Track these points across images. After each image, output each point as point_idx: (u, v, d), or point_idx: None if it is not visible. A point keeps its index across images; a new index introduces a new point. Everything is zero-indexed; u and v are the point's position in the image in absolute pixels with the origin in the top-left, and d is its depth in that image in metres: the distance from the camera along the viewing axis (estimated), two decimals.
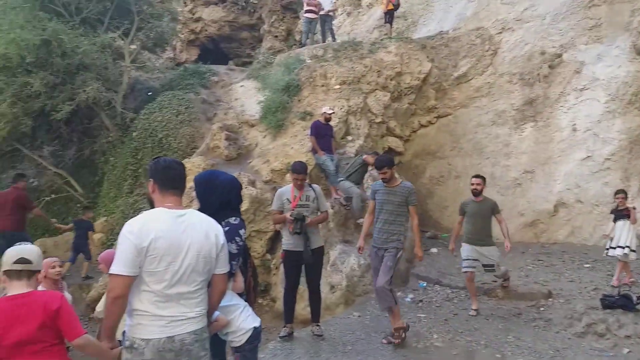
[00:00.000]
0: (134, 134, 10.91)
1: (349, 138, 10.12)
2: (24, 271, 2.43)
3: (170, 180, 2.59)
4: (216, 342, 2.85)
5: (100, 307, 4.43)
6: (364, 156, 8.78)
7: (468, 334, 5.61)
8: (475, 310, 6.25)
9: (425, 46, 11.64)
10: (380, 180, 5.45)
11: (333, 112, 9.17)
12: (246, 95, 11.92)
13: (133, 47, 12.74)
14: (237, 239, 3.00)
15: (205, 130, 11.04)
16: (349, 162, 9.03)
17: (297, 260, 5.30)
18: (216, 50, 17.76)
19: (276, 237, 8.43)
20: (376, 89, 10.89)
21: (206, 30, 17.42)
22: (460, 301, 6.73)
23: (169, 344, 2.37)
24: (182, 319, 2.42)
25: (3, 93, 9.98)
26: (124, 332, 2.47)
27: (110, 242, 9.32)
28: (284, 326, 5.44)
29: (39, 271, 2.55)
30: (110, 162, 11.24)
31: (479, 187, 6.30)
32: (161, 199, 2.57)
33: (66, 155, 12.18)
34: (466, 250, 6.28)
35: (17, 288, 2.42)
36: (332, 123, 9.08)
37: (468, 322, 5.96)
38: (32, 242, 7.51)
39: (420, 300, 6.90)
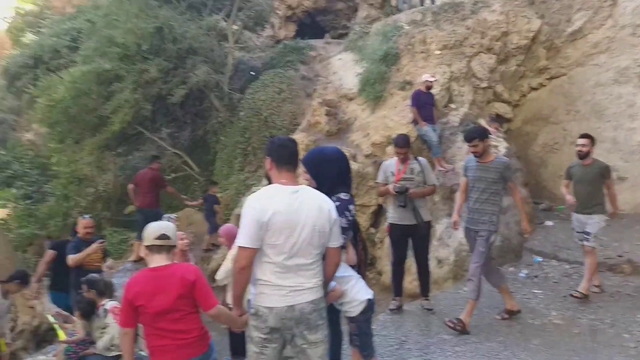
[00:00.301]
0: (241, 113, 11.44)
1: (452, 106, 9.72)
2: (164, 246, 2.69)
3: (284, 157, 2.73)
4: (331, 311, 2.97)
5: (219, 275, 4.81)
6: (483, 121, 8.36)
7: (590, 312, 5.26)
8: (597, 286, 5.80)
9: (533, 1, 10.71)
10: (472, 155, 4.96)
11: (435, 80, 8.84)
12: (344, 68, 11.88)
13: (235, 27, 13.21)
14: (347, 213, 3.07)
15: (305, 106, 11.26)
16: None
17: (402, 233, 5.29)
18: (313, 24, 17.82)
19: (379, 211, 8.47)
20: (480, 52, 10.28)
21: (302, 5, 17.51)
22: (580, 277, 6.30)
23: (289, 312, 2.53)
24: (300, 289, 2.57)
25: (125, 80, 10.87)
26: (249, 300, 2.66)
27: (226, 216, 9.95)
28: (393, 299, 5.49)
29: (175, 246, 2.80)
30: (221, 141, 11.92)
31: (584, 149, 5.54)
32: (277, 175, 2.72)
33: (182, 136, 13.15)
34: (573, 220, 5.78)
35: (158, 261, 2.69)
36: (433, 91, 8.77)
37: (590, 300, 5.56)
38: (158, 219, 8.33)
39: (535, 276, 6.57)
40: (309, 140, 9.32)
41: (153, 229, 2.73)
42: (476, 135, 4.78)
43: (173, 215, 6.32)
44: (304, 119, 10.82)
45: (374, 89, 10.04)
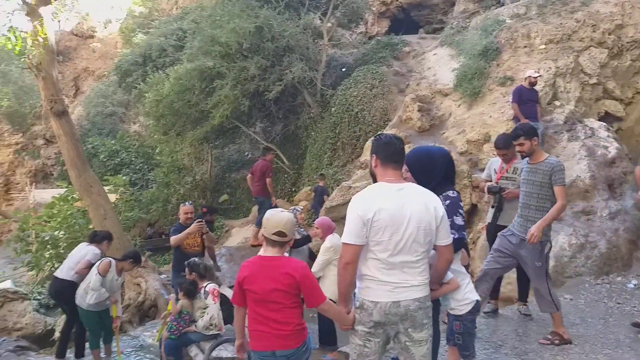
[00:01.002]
0: (332, 109, 11.58)
1: (557, 103, 9.13)
2: (278, 242, 2.78)
3: (390, 155, 2.71)
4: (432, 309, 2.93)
5: (314, 268, 4.90)
6: None
7: None
8: None
9: None
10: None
11: (539, 76, 8.35)
12: (439, 64, 11.61)
13: (329, 25, 13.40)
14: (460, 210, 3.02)
15: (398, 102, 11.15)
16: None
17: (496, 234, 5.08)
18: (407, 20, 17.58)
19: (473, 211, 8.20)
20: (590, 46, 9.57)
21: (397, 0, 17.35)
22: None
23: (394, 308, 2.53)
24: (406, 286, 2.56)
25: (226, 77, 11.43)
26: (354, 293, 2.70)
27: (313, 209, 10.16)
28: (488, 301, 5.30)
29: (289, 241, 2.85)
30: (311, 136, 12.17)
31: None
32: (383, 173, 2.71)
33: (274, 131, 13.60)
34: None
35: (270, 252, 2.78)
36: (536, 87, 8.29)
37: None
38: (271, 206, 8.69)
39: None
40: (401, 136, 9.23)
41: (274, 223, 2.74)
42: (522, 133, 4.26)
43: (299, 208, 6.44)
44: (395, 114, 10.73)
45: (471, 85, 9.72)
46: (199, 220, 5.93)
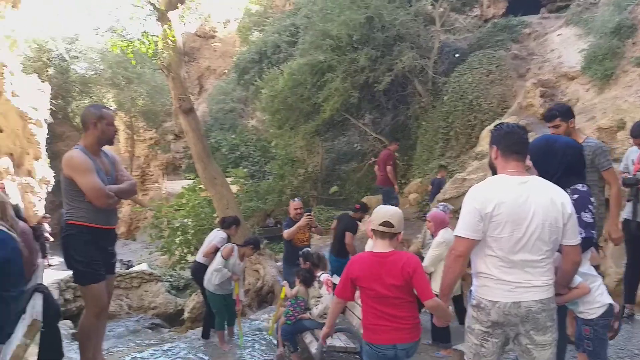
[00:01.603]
0: (445, 97, 11.20)
1: None
2: (387, 233, 2.78)
3: (512, 145, 2.54)
4: (558, 311, 2.74)
5: (425, 262, 4.81)
6: None
7: None
8: None
9: None
10: None
11: None
12: (564, 45, 10.69)
13: (441, 10, 12.93)
14: (590, 207, 2.77)
15: (517, 88, 10.48)
16: None
17: (637, 231, 4.55)
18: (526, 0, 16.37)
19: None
20: None
21: None
22: None
23: (514, 308, 2.39)
24: (527, 286, 2.40)
25: (336, 70, 11.58)
26: (470, 291, 2.61)
27: (424, 201, 9.95)
28: (624, 305, 4.80)
29: (399, 233, 2.84)
30: (422, 126, 11.89)
31: None
32: (504, 165, 2.56)
33: (384, 122, 13.50)
34: None
35: (381, 246, 2.79)
36: None
37: None
38: (394, 198, 8.72)
39: None
40: (521, 124, 8.65)
41: (379, 214, 2.77)
42: (558, 113, 3.75)
43: (450, 206, 6.28)
44: (514, 101, 10.09)
45: (602, 67, 8.81)
46: (307, 213, 6.11)
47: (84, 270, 3.51)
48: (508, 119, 9.11)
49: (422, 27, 12.04)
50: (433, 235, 5.04)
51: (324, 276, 5.14)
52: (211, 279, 5.70)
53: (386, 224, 2.72)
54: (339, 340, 4.80)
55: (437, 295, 2.74)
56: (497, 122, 2.82)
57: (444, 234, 4.74)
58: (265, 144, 17.79)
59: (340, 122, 13.47)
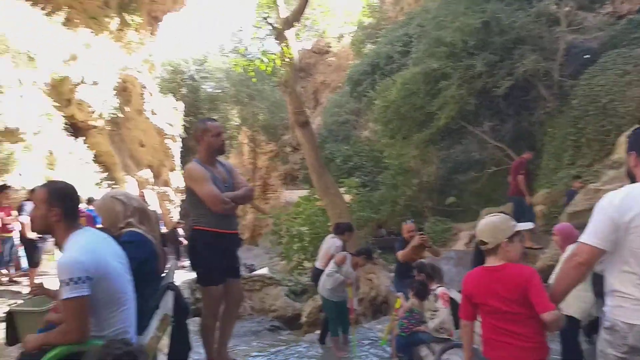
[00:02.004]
0: (574, 102, 10.32)
1: None
2: (485, 249, 2.63)
3: None
4: None
5: (552, 280, 4.45)
6: None
7: None
8: None
9: None
10: None
11: None
12: None
13: (567, 9, 11.98)
14: None
15: None
16: None
17: None
18: None
19: None
20: None
21: None
22: None
23: None
24: None
25: (451, 77, 11.27)
26: (604, 311, 2.37)
27: (552, 214, 9.21)
28: None
29: (500, 243, 2.64)
30: (548, 133, 11.07)
31: None
32: None
33: (504, 129, 12.80)
34: None
35: (491, 261, 2.65)
36: None
37: None
38: (527, 209, 8.28)
39: None
40: None
41: (477, 231, 2.68)
42: None
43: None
44: None
45: None
46: (421, 233, 6.03)
47: (205, 272, 3.79)
48: None
49: (545, 28, 11.25)
50: (561, 250, 4.65)
51: (440, 290, 5.00)
52: (325, 284, 5.83)
53: (480, 243, 2.61)
54: (456, 357, 4.62)
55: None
56: (636, 127, 2.54)
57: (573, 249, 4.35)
58: (377, 154, 17.82)
59: (456, 130, 13.03)
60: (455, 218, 12.76)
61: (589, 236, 2.26)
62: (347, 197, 11.71)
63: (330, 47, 32.62)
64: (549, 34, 11.56)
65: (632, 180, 2.43)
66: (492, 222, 2.62)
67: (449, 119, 11.61)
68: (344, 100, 24.50)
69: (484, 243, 2.59)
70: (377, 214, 14.23)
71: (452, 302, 5.02)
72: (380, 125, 14.91)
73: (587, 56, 11.82)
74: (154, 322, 2.88)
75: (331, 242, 6.25)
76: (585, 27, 13.10)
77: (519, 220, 2.78)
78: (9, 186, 8.12)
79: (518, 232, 2.62)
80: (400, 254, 6.04)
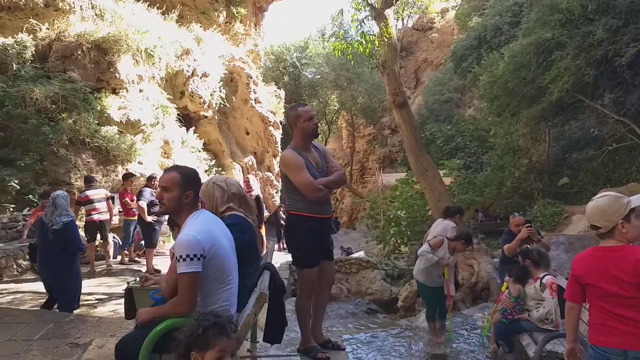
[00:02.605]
0: None
1: None
2: (598, 233, 2.41)
3: None
4: None
5: None
6: None
7: None
8: None
9: None
10: None
11: None
12: None
13: None
14: None
15: None
16: None
17: None
18: None
19: None
20: None
21: None
22: None
23: None
24: None
25: (566, 47, 10.29)
26: None
27: None
28: None
29: (616, 224, 2.41)
30: None
31: None
32: None
33: (628, 102, 11.45)
34: None
35: (607, 241, 2.43)
36: None
37: None
38: None
39: None
40: None
41: (586, 215, 2.46)
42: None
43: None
44: None
45: None
46: (528, 225, 5.70)
47: (301, 255, 3.89)
48: None
49: None
50: None
51: (548, 278, 4.65)
52: (418, 265, 5.73)
53: (592, 227, 2.37)
54: (562, 347, 4.29)
55: None
56: None
57: None
58: (482, 133, 16.94)
59: (571, 104, 11.91)
60: (568, 200, 11.77)
61: None
62: (448, 180, 11.28)
63: (433, 22, 31.46)
64: None
65: None
66: (601, 204, 2.41)
67: (563, 92, 10.64)
68: (447, 78, 23.59)
69: (597, 227, 2.40)
70: (481, 196, 13.55)
71: (560, 292, 4.65)
72: (486, 102, 14.12)
73: None
74: (252, 300, 3.02)
75: (444, 225, 6.08)
76: None
77: None
78: (134, 174, 8.96)
79: (633, 210, 2.38)
80: (506, 247, 5.86)
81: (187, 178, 2.68)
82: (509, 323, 4.72)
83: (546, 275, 4.71)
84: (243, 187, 3.63)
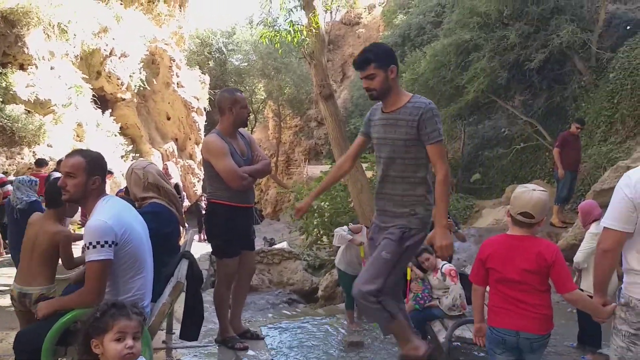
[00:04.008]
0: (611, 75, 9.84)
1: None
2: (525, 223, 2.55)
3: None
4: None
5: (578, 258, 4.37)
6: None
7: None
8: None
9: None
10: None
11: None
12: None
13: None
14: None
15: None
16: None
17: None
18: None
19: None
20: None
21: None
22: None
23: None
24: None
25: (483, 49, 10.87)
26: (620, 289, 2.31)
27: (579, 192, 8.92)
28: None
29: (540, 222, 2.58)
30: (581, 108, 10.63)
31: None
32: None
33: (536, 104, 12.36)
34: None
35: (517, 231, 2.59)
36: None
37: None
38: (560, 180, 7.96)
39: None
40: None
41: (521, 202, 2.53)
42: (372, 57, 2.89)
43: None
44: None
45: None
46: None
47: (221, 245, 3.81)
48: None
49: None
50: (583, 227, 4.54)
51: (445, 267, 4.92)
52: (340, 254, 5.89)
53: (525, 215, 2.51)
54: (469, 332, 4.56)
55: (590, 296, 2.49)
56: None
57: (597, 226, 4.22)
58: None
59: (485, 104, 12.64)
60: (479, 195, 12.52)
61: (610, 219, 2.21)
62: (370, 173, 11.56)
63: (360, 18, 31.99)
64: (589, 3, 10.99)
65: None
66: (545, 198, 2.56)
67: (478, 92, 11.24)
68: None
69: (530, 217, 2.52)
70: None
71: (466, 278, 4.94)
72: None
73: (629, 27, 11.23)
74: (168, 289, 2.94)
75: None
76: None
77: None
78: (47, 160, 8.36)
79: None
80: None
81: (92, 162, 2.52)
82: (422, 310, 4.93)
83: (444, 264, 4.96)
84: None
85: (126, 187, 3.89)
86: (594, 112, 10.07)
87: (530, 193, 2.53)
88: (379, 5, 30.53)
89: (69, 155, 2.61)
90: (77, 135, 11.80)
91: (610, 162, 8.59)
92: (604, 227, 2.22)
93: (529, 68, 10.46)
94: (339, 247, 6.06)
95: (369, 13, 31.83)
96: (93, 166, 2.51)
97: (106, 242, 2.31)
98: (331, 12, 32.49)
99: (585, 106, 10.52)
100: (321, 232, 11.62)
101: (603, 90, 10.00)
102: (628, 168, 7.15)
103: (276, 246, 12.23)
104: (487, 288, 2.75)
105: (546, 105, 11.93)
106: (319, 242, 11.80)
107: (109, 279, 2.40)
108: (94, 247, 2.29)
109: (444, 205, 2.95)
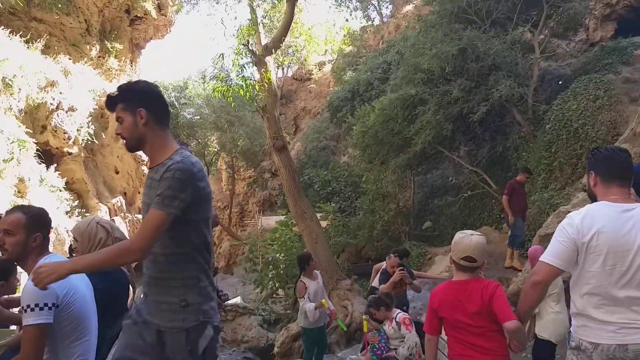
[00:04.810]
0: (547, 126, 10.52)
1: None
2: (468, 267, 2.62)
3: (614, 170, 2.33)
4: None
5: None
6: None
7: None
8: None
9: None
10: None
11: None
12: None
13: (541, 37, 12.33)
14: None
15: (629, 113, 9.54)
16: None
17: None
18: (637, 20, 15.10)
19: None
20: None
21: (624, 0, 15.08)
22: None
23: (620, 352, 2.12)
24: (635, 327, 2.10)
25: (428, 103, 11.40)
26: (569, 332, 2.36)
27: (527, 237, 9.24)
28: None
29: (482, 265, 2.66)
30: (522, 157, 11.22)
31: None
32: (604, 192, 2.33)
33: (480, 154, 12.94)
34: None
35: (460, 276, 2.65)
36: None
37: None
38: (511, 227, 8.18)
39: None
40: (635, 152, 7.80)
41: (462, 247, 2.62)
42: (118, 96, 2.26)
43: None
44: (626, 127, 9.16)
45: None
46: (400, 269, 6.09)
47: None
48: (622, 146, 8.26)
49: (520, 55, 11.53)
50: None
51: (399, 316, 4.92)
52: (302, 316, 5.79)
53: (468, 259, 2.58)
54: None
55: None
56: (594, 148, 2.57)
57: None
58: (356, 179, 17.84)
59: (432, 155, 13.12)
60: (431, 242, 12.74)
61: (547, 254, 2.30)
62: (324, 223, 11.59)
63: (311, 74, 32.98)
64: (524, 61, 11.85)
65: (593, 200, 2.44)
66: (483, 242, 2.65)
67: (425, 144, 11.67)
68: (324, 126, 24.65)
69: (473, 260, 2.58)
70: (355, 239, 14.13)
71: (421, 326, 4.93)
72: (358, 151, 14.96)
73: (560, 82, 12.14)
74: (111, 353, 2.76)
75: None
76: (559, 54, 13.49)
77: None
78: None
79: None
80: (381, 288, 6.16)
81: (33, 219, 2.40)
82: None
83: (399, 313, 4.97)
84: None
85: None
86: (534, 160, 10.63)
87: (469, 238, 2.63)
88: (329, 63, 31.68)
89: (8, 212, 2.48)
90: (19, 191, 11.25)
91: (552, 208, 9.00)
92: (541, 260, 2.31)
93: (472, 120, 11.00)
94: (299, 303, 5.96)
95: (320, 70, 32.91)
96: (34, 223, 2.39)
97: (45, 305, 2.16)
98: (283, 69, 33.41)
99: (526, 155, 11.11)
100: (277, 284, 11.39)
101: (541, 140, 10.63)
102: (568, 213, 7.53)
103: (230, 302, 11.82)
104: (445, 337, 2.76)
105: (490, 155, 12.51)
106: (274, 295, 11.54)
107: (47, 344, 2.24)
108: (32, 310, 2.14)
109: (94, 260, 2.16)
